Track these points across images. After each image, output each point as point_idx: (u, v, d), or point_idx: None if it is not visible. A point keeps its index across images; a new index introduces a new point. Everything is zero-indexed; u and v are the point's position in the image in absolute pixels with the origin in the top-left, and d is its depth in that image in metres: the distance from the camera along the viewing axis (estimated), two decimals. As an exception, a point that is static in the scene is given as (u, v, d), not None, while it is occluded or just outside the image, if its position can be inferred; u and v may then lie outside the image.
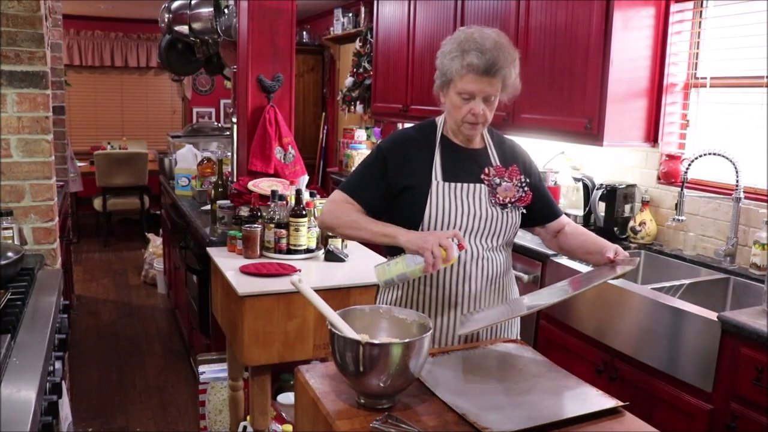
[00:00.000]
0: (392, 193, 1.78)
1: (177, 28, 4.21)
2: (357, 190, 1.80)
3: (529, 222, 1.89)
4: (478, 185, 1.77)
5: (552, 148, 3.45)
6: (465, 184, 1.76)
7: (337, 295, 2.29)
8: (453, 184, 1.75)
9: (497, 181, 1.78)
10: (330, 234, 2.67)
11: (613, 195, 2.95)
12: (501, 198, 1.77)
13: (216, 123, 6.60)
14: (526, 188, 1.82)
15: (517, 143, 1.94)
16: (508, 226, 1.80)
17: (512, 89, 1.74)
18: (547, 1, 3.07)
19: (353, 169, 1.90)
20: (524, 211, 1.83)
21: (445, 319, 1.78)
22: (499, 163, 1.82)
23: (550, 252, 2.73)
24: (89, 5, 7.22)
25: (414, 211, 1.74)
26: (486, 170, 1.79)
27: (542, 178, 1.96)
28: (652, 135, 2.95)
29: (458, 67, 1.67)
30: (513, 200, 1.79)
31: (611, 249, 1.71)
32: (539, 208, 1.88)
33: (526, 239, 2.83)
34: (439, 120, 1.84)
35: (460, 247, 1.59)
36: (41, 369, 1.50)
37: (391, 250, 1.77)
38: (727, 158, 2.55)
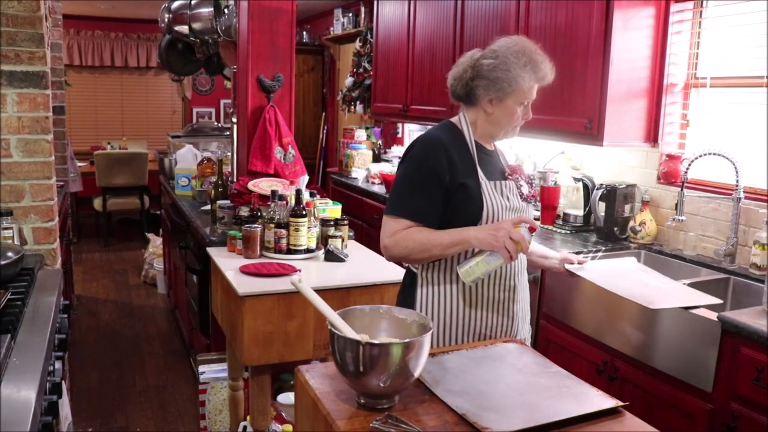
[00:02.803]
0: (449, 193, 1.75)
1: (177, 28, 4.21)
2: (415, 210, 1.74)
3: None
4: (508, 182, 1.85)
5: (552, 148, 3.45)
6: (501, 182, 1.83)
7: (337, 295, 2.29)
8: (494, 182, 1.82)
9: (518, 178, 1.89)
10: (330, 234, 2.67)
11: (613, 195, 2.95)
12: (524, 194, 1.88)
13: (216, 123, 6.59)
14: (531, 184, 1.93)
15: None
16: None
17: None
18: (547, 1, 3.07)
19: (393, 187, 1.84)
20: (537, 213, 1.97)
21: (490, 317, 1.81)
22: (507, 160, 1.95)
23: (550, 252, 2.73)
24: (89, 5, 7.22)
25: (471, 209, 1.75)
26: (506, 169, 1.90)
27: None
28: (652, 135, 2.95)
29: (534, 78, 1.75)
30: (530, 194, 1.91)
31: (567, 253, 2.02)
32: None
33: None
34: (461, 124, 1.84)
35: (532, 229, 1.66)
36: (41, 369, 1.50)
37: None
38: (727, 158, 2.55)
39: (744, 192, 2.56)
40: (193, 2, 4.01)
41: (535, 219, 2.08)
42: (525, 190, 1.88)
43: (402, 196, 1.78)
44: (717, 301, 2.17)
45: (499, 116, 1.79)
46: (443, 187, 1.73)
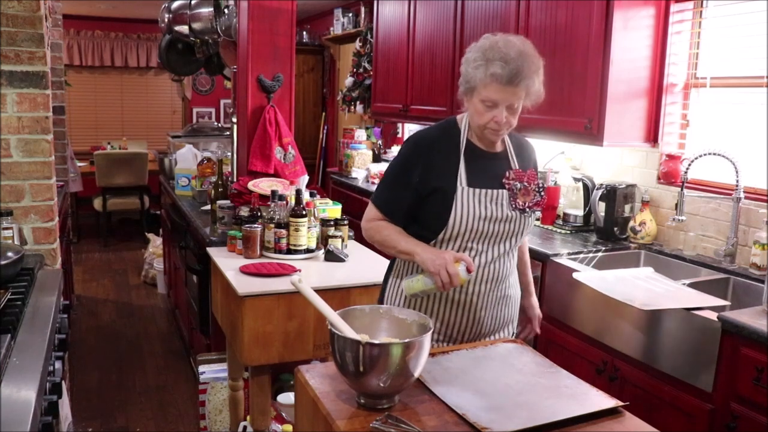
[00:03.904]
0: (421, 196, 1.78)
1: (177, 28, 4.20)
2: (387, 204, 1.84)
3: None
4: (499, 191, 1.78)
5: (552, 148, 3.45)
6: (488, 190, 1.77)
7: (337, 295, 2.29)
8: (477, 190, 1.76)
9: (517, 185, 1.80)
10: (330, 234, 2.67)
11: (613, 195, 2.95)
12: (521, 202, 1.79)
13: (216, 123, 6.59)
14: (542, 192, 1.84)
15: (530, 144, 1.98)
16: (524, 230, 1.84)
17: (535, 96, 1.74)
18: (547, 1, 3.07)
19: (384, 173, 1.92)
20: (540, 214, 1.87)
21: (452, 315, 1.82)
22: (518, 167, 1.84)
23: (550, 252, 2.73)
24: (89, 5, 7.22)
25: (440, 214, 1.75)
26: (507, 174, 1.80)
27: None
28: (652, 135, 2.95)
29: (482, 76, 1.68)
30: (531, 204, 1.81)
31: (536, 320, 2.06)
32: None
33: (526, 239, 2.83)
34: (462, 122, 1.83)
35: (469, 270, 1.64)
36: (41, 369, 1.50)
37: None
38: (727, 158, 2.55)
39: (744, 192, 2.56)
40: (193, 2, 4.00)
41: (536, 226, 2.01)
42: (523, 199, 1.79)
43: (381, 186, 1.88)
44: (722, 302, 2.18)
45: (470, 114, 1.78)
46: (411, 188, 1.78)
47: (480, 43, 1.72)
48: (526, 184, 1.81)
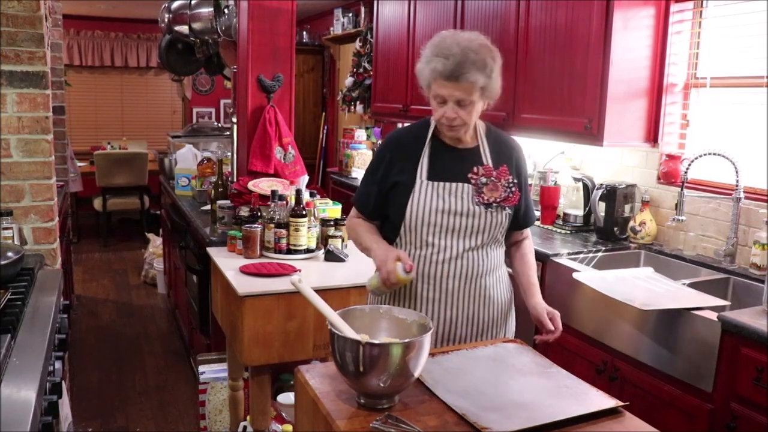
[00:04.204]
0: (383, 191, 1.84)
1: (177, 28, 4.20)
2: (360, 202, 1.93)
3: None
4: (462, 185, 1.79)
5: (552, 148, 3.45)
6: (449, 183, 1.78)
7: (337, 295, 2.29)
8: (437, 183, 1.78)
9: (483, 180, 1.79)
10: (330, 234, 2.67)
11: (613, 195, 2.95)
12: (486, 198, 1.78)
13: (216, 123, 6.60)
14: (513, 189, 1.82)
15: (515, 142, 1.95)
16: (492, 226, 1.80)
17: (490, 93, 1.74)
18: (547, 1, 3.07)
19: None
20: (510, 211, 1.82)
21: (423, 312, 1.83)
22: (489, 163, 1.83)
23: (550, 252, 2.73)
24: (89, 5, 7.22)
25: (399, 207, 1.80)
26: (475, 169, 1.80)
27: (527, 183, 1.96)
28: (652, 135, 2.95)
29: (428, 72, 1.72)
30: (499, 200, 1.79)
31: (543, 315, 1.84)
32: (519, 212, 1.90)
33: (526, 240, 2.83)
34: (433, 119, 1.86)
35: (408, 269, 1.69)
36: (41, 369, 1.50)
37: None
38: (727, 158, 2.55)
39: (744, 192, 2.56)
40: (193, 2, 4.00)
41: (516, 221, 1.91)
42: (490, 195, 1.78)
43: (360, 185, 1.97)
44: (722, 302, 2.18)
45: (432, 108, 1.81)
46: (376, 182, 1.86)
47: (433, 39, 1.76)
48: (494, 179, 1.79)
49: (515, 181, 1.83)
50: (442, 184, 1.78)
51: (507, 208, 1.82)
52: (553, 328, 1.84)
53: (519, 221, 1.91)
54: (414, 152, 1.83)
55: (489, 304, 1.85)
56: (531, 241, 2.04)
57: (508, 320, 1.95)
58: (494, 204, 1.79)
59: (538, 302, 1.89)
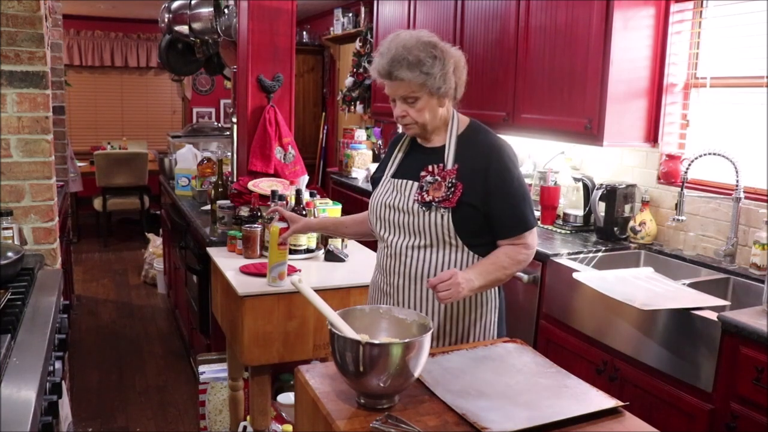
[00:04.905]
0: (373, 188, 1.97)
1: (177, 28, 4.20)
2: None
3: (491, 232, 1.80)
4: (410, 182, 1.81)
5: (552, 148, 3.45)
6: (401, 180, 1.83)
7: (337, 295, 2.29)
8: (395, 180, 1.85)
9: (430, 180, 1.76)
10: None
11: (613, 195, 2.95)
12: (426, 197, 1.74)
13: (216, 123, 6.60)
14: (452, 189, 1.72)
15: (497, 147, 1.79)
16: (430, 226, 1.74)
17: (439, 91, 1.71)
18: (547, 1, 3.07)
19: None
20: (445, 212, 1.73)
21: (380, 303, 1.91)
22: (449, 163, 1.76)
23: (550, 252, 2.73)
24: (89, 5, 7.22)
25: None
26: (430, 168, 1.77)
27: (513, 194, 1.77)
28: (652, 135, 2.95)
29: (373, 71, 1.78)
30: (438, 200, 1.73)
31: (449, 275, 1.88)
32: (493, 220, 1.77)
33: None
34: None
35: (283, 230, 2.14)
36: (41, 369, 1.50)
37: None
38: (727, 158, 2.55)
39: (744, 192, 2.56)
40: (193, 2, 4.00)
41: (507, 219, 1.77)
42: (432, 194, 1.73)
43: None
44: (722, 302, 2.18)
45: None
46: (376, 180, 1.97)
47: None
48: (439, 179, 1.74)
49: (455, 182, 1.73)
50: (397, 180, 1.85)
51: (442, 209, 1.73)
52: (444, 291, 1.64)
53: (495, 228, 1.77)
54: (397, 151, 1.93)
55: (439, 309, 1.79)
56: (516, 250, 1.78)
57: (470, 332, 1.83)
58: (433, 204, 1.73)
59: (462, 271, 1.69)
